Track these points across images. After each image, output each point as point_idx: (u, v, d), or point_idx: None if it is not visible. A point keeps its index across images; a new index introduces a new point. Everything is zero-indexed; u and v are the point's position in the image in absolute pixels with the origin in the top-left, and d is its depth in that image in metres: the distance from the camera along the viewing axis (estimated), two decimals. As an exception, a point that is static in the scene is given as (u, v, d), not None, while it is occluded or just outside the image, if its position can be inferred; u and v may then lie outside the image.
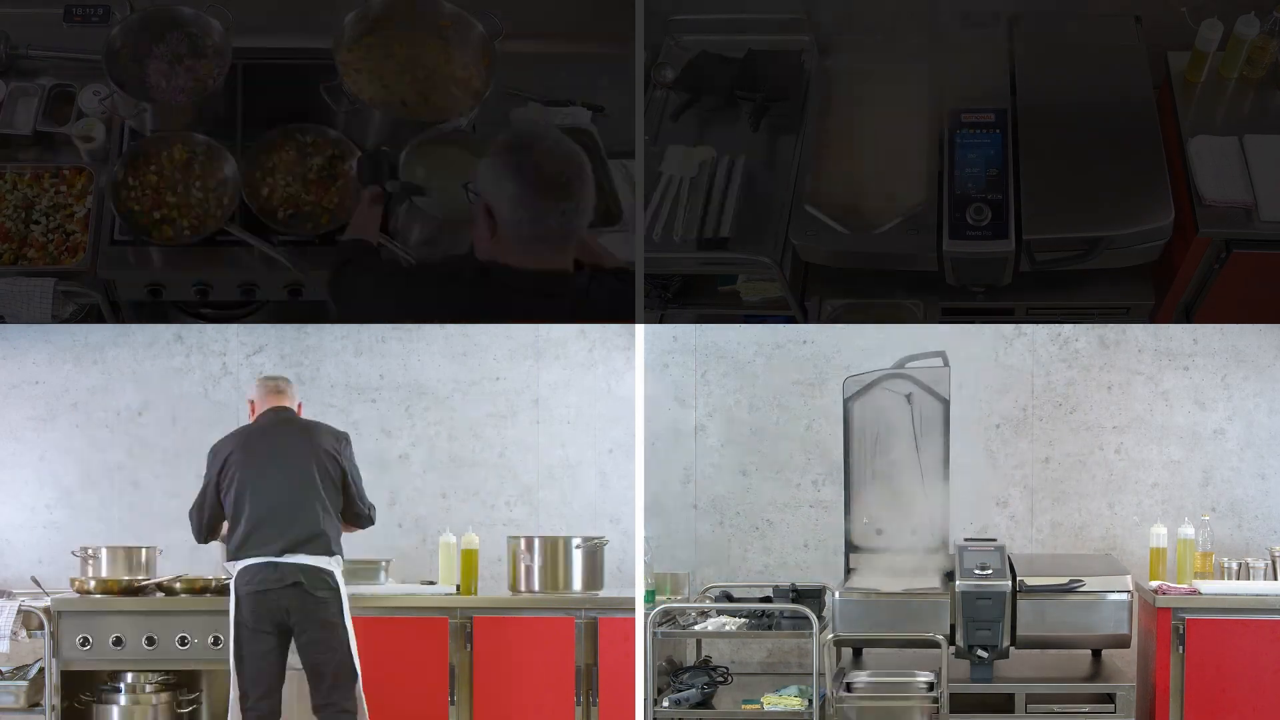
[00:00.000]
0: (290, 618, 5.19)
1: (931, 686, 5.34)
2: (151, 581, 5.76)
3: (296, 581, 5.18)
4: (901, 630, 5.51)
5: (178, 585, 5.73)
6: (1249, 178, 5.00)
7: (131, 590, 5.69)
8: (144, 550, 5.93)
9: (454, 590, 5.78)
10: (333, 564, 5.27)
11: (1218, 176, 4.99)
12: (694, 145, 5.39)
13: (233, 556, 5.26)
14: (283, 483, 5.27)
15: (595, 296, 4.19)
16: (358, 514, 5.42)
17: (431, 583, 5.92)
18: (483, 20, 4.98)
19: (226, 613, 5.29)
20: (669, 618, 5.67)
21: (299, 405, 5.53)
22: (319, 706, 5.21)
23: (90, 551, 5.87)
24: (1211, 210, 4.96)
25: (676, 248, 5.12)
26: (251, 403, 5.52)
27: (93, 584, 5.73)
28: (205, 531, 5.38)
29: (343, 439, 5.42)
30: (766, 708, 5.60)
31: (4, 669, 5.72)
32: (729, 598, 6.02)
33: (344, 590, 5.27)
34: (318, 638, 5.20)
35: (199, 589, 5.73)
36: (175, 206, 4.89)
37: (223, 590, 5.66)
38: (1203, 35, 5.32)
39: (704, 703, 5.60)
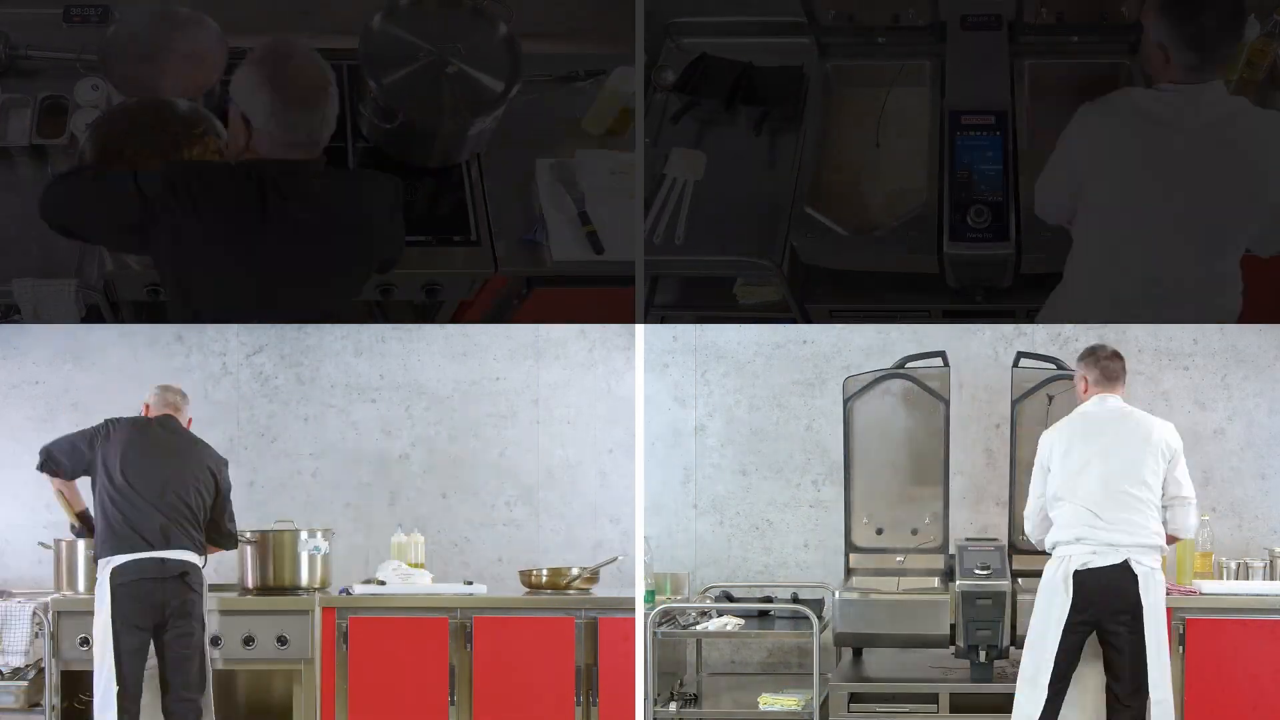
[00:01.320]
0: (166, 612, 5.20)
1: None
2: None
3: (181, 573, 5.20)
4: (901, 630, 5.51)
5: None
6: None
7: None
8: (144, 550, 5.93)
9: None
10: (200, 559, 5.31)
11: None
12: (695, 148, 5.40)
13: (108, 553, 5.23)
14: (165, 482, 5.27)
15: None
16: (228, 533, 5.44)
17: (469, 583, 5.92)
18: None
19: (226, 614, 5.31)
20: (669, 618, 5.67)
21: (189, 421, 5.54)
22: (176, 701, 5.21)
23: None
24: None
25: (676, 249, 5.13)
26: (146, 405, 5.52)
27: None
28: (52, 465, 5.43)
29: (223, 463, 5.47)
30: (764, 708, 5.60)
31: (3, 669, 5.72)
32: (729, 598, 6.02)
33: (206, 593, 5.33)
34: (185, 630, 5.21)
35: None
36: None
37: (229, 588, 5.72)
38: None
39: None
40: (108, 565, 5.23)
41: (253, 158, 4.41)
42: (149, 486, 5.26)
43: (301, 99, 4.36)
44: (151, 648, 5.23)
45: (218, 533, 5.41)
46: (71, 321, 4.82)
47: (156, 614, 5.21)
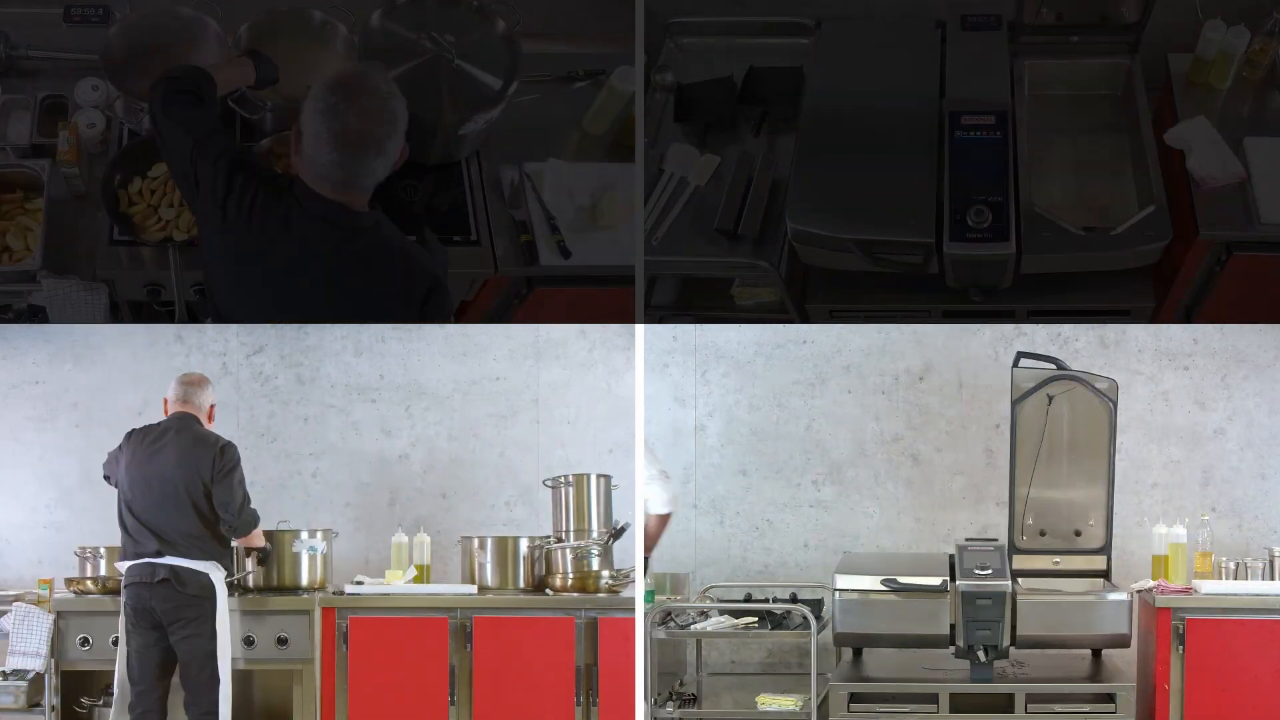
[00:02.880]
0: (159, 615, 5.25)
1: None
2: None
3: (164, 579, 5.23)
4: (901, 630, 5.51)
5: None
6: (1242, 157, 5.02)
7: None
8: (144, 550, 5.94)
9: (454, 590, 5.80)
10: (208, 566, 5.30)
11: (1209, 156, 5.01)
12: (699, 149, 5.41)
13: (121, 557, 5.37)
14: (159, 488, 5.32)
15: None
16: (231, 520, 5.37)
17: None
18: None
19: (233, 613, 5.35)
20: (669, 617, 5.67)
21: (210, 410, 5.54)
22: (186, 705, 5.29)
23: (90, 551, 5.87)
24: (1208, 201, 4.98)
25: (676, 249, 5.14)
26: (165, 401, 5.55)
27: (92, 584, 5.74)
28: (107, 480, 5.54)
29: (219, 453, 5.38)
30: (763, 708, 5.60)
31: (4, 669, 5.72)
32: (749, 598, 6.01)
33: (221, 593, 5.31)
34: (186, 634, 5.25)
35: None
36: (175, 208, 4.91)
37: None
38: (1205, 38, 5.34)
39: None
40: (122, 567, 5.34)
41: (294, 173, 4.36)
42: (146, 496, 5.32)
43: (352, 142, 4.24)
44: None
45: (220, 522, 5.36)
46: (101, 322, 4.85)
47: (152, 617, 5.27)
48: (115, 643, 5.43)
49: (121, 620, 5.33)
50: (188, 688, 5.29)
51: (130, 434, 5.48)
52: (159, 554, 5.26)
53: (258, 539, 5.58)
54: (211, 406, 5.57)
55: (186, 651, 5.27)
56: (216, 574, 5.33)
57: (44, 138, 5.10)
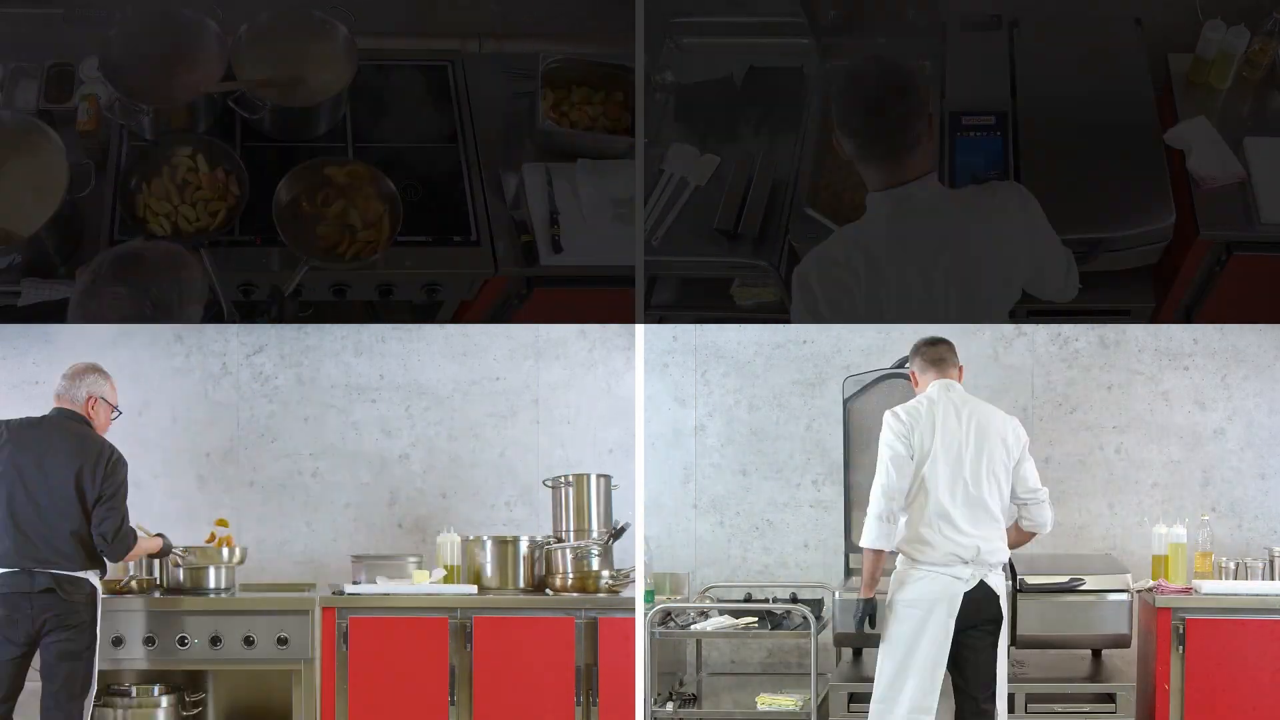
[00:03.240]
0: (38, 623, 5.07)
1: None
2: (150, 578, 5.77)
3: (49, 588, 5.06)
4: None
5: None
6: (1242, 159, 5.02)
7: (131, 590, 5.68)
8: (144, 550, 5.92)
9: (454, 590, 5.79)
10: (89, 575, 5.15)
11: (1209, 155, 5.01)
12: (699, 149, 5.41)
13: None
14: (43, 494, 5.11)
15: None
16: (99, 546, 5.14)
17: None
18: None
19: (226, 614, 5.30)
20: (669, 617, 5.67)
21: (90, 399, 5.25)
22: (46, 709, 5.10)
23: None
24: (1208, 201, 4.98)
25: (676, 249, 5.14)
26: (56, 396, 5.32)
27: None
28: None
29: (109, 465, 5.15)
30: (763, 708, 5.60)
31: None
32: (749, 598, 6.01)
33: (99, 602, 5.17)
34: (62, 638, 5.08)
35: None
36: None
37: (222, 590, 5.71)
38: (1205, 38, 5.33)
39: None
40: None
41: None
42: (21, 502, 5.11)
43: None
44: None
45: (94, 540, 5.15)
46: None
47: (28, 626, 5.07)
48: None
49: None
50: (55, 696, 5.07)
51: (7, 424, 5.20)
52: (45, 564, 5.07)
53: (140, 555, 5.42)
54: (90, 398, 5.27)
55: (59, 659, 5.07)
56: (95, 580, 5.18)
57: (51, 104, 5.11)
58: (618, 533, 5.79)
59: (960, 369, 5.03)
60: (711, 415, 6.45)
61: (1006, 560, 4.93)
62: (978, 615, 4.84)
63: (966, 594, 4.80)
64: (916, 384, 5.03)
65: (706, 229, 5.23)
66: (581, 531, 5.81)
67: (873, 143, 4.11)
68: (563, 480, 5.85)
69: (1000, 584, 4.87)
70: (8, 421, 5.24)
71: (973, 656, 4.86)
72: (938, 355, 5.00)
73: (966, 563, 4.81)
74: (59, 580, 5.09)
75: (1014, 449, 4.91)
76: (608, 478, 5.88)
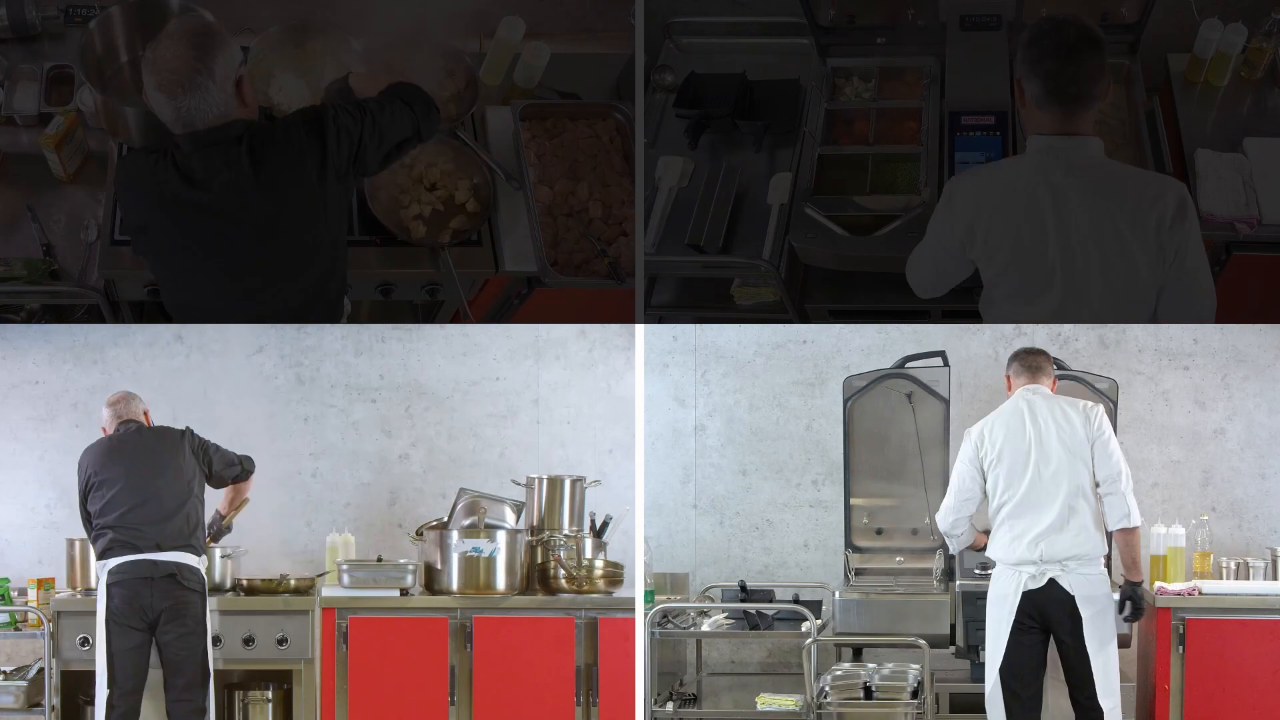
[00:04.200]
0: (156, 612, 5.22)
1: (916, 693, 5.33)
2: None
3: (170, 574, 5.23)
4: (902, 630, 5.51)
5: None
6: (1253, 191, 5.01)
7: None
8: (144, 550, 5.93)
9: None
10: (200, 563, 5.32)
11: (1220, 191, 5.00)
12: (690, 151, 5.41)
13: (103, 555, 5.29)
14: (151, 485, 5.31)
15: None
16: (236, 474, 5.54)
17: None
18: None
19: (225, 614, 5.30)
20: (668, 618, 5.67)
21: (145, 413, 5.58)
22: (174, 703, 5.25)
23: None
24: (1206, 198, 4.97)
25: (675, 250, 5.14)
26: (104, 429, 5.55)
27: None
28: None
29: (186, 432, 5.48)
30: (763, 708, 5.60)
31: (5, 669, 5.72)
32: (743, 588, 6.00)
33: (207, 591, 5.35)
34: (182, 633, 5.24)
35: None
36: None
37: (219, 589, 5.73)
38: (1203, 37, 5.33)
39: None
40: (104, 567, 5.28)
41: None
42: (133, 495, 5.29)
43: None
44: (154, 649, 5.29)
45: (230, 475, 5.52)
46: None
47: (148, 614, 5.24)
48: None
49: (100, 621, 5.26)
50: (179, 685, 5.25)
51: (88, 450, 5.44)
52: (148, 550, 5.23)
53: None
54: (144, 412, 5.58)
55: (181, 648, 5.24)
56: (204, 569, 5.35)
57: (51, 107, 5.11)
58: (601, 527, 5.80)
59: (1054, 380, 5.18)
60: (711, 415, 6.45)
61: (1092, 558, 4.97)
62: (1051, 615, 4.94)
63: (1034, 592, 4.92)
64: (1010, 389, 5.17)
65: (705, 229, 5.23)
66: (552, 530, 5.80)
67: (1061, 86, 4.26)
68: (536, 480, 5.86)
69: (1077, 583, 4.93)
70: (88, 449, 5.46)
71: (1063, 657, 4.99)
72: (1034, 363, 5.17)
73: (1034, 562, 4.92)
74: (180, 567, 5.24)
75: (1084, 442, 5.00)
76: (581, 479, 5.88)
